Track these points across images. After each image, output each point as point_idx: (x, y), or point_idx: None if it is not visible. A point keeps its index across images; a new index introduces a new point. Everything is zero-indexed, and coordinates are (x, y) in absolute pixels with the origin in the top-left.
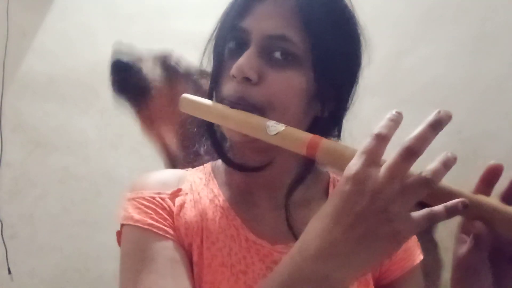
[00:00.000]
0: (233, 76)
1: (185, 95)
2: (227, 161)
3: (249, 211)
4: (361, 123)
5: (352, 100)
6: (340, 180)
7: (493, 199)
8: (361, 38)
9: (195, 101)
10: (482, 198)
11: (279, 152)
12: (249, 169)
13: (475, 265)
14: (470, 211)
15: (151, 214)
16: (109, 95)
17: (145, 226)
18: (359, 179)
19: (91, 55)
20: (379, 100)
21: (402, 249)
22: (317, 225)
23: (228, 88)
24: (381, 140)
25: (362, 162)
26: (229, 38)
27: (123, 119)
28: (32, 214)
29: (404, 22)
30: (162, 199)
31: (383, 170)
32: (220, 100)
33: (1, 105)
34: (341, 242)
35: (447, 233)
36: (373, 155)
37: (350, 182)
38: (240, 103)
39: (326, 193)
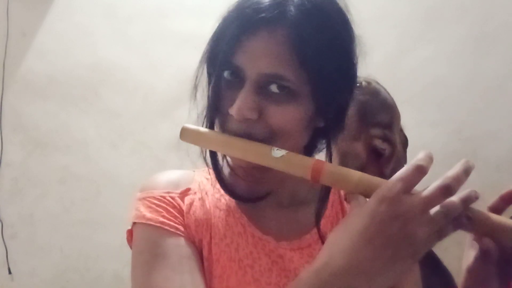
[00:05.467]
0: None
1: (186, 125)
2: (231, 193)
3: (254, 210)
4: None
5: (349, 107)
6: (371, 200)
7: (495, 215)
8: (357, 49)
9: (196, 131)
10: (485, 212)
11: (281, 181)
12: (250, 201)
13: (483, 272)
14: (474, 225)
15: (162, 212)
16: (109, 95)
17: (157, 224)
18: (394, 203)
19: (91, 55)
20: None
21: None
22: (344, 240)
23: (230, 124)
24: (420, 171)
25: (399, 188)
26: (224, 69)
27: (123, 119)
28: (32, 214)
29: (404, 22)
30: (172, 198)
31: (418, 199)
32: (221, 128)
33: (1, 105)
34: (369, 261)
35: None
36: (409, 183)
37: (385, 204)
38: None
39: (328, 192)
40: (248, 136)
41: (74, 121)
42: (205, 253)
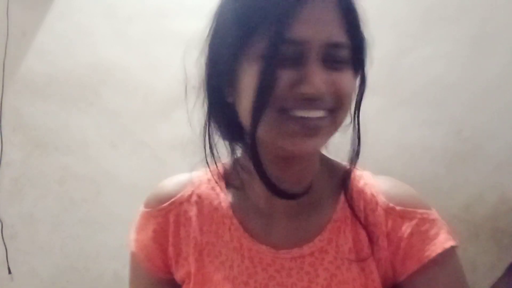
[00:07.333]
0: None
1: None
2: (271, 188)
3: (253, 218)
4: (360, 122)
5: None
6: None
7: None
8: None
9: None
10: None
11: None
12: (292, 197)
13: None
14: None
15: (144, 241)
16: (109, 95)
17: (136, 255)
18: None
19: (91, 55)
20: (379, 100)
21: (416, 238)
22: None
23: (294, 99)
24: None
25: None
26: (280, 44)
27: (123, 119)
28: (32, 214)
29: (404, 21)
30: (163, 215)
31: None
32: (277, 112)
33: (1, 105)
34: None
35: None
36: None
37: None
38: (314, 108)
39: (340, 186)
40: (318, 104)
41: (74, 121)
42: (193, 269)
